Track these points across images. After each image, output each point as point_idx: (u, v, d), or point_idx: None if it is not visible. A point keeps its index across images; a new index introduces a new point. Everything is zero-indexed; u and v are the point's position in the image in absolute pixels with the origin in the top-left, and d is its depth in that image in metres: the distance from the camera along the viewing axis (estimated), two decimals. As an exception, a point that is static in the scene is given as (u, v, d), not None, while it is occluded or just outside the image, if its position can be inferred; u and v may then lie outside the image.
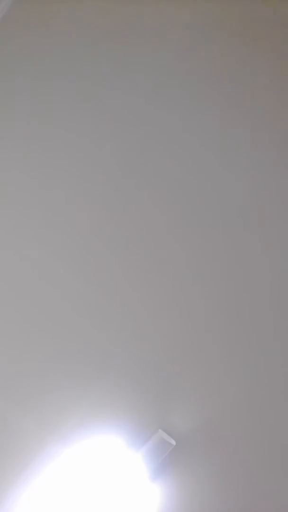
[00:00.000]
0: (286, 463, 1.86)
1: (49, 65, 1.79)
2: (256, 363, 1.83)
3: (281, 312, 1.80)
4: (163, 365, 1.86)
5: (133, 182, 1.80)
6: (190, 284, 1.82)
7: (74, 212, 1.83)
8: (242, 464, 1.87)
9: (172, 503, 1.89)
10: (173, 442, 1.84)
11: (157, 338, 1.85)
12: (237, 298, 1.81)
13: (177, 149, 1.77)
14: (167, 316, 1.84)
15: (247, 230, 1.78)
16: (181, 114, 1.75)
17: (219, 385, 1.85)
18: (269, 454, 1.86)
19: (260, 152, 1.74)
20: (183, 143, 1.77)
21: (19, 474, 1.89)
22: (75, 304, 1.85)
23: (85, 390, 1.87)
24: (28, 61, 1.80)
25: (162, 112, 1.76)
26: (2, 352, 1.87)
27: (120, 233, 1.82)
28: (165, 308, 1.83)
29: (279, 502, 1.87)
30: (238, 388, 1.85)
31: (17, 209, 1.85)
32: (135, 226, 1.81)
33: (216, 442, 1.87)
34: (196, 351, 1.84)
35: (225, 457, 1.87)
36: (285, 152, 1.74)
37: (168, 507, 1.89)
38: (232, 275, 1.80)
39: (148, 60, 1.76)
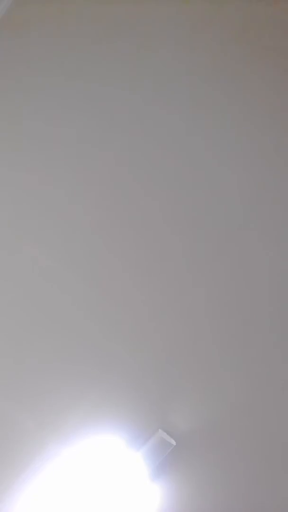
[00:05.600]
0: (286, 463, 1.86)
1: (49, 65, 1.79)
2: (256, 363, 1.83)
3: (281, 312, 1.80)
4: (163, 365, 1.86)
5: (134, 181, 1.80)
6: (191, 284, 1.82)
7: (74, 211, 1.83)
8: (242, 464, 1.87)
9: (172, 503, 1.89)
10: (173, 442, 1.84)
11: (157, 338, 1.85)
12: (238, 298, 1.81)
13: (177, 148, 1.77)
14: (167, 316, 1.84)
15: (248, 229, 1.78)
16: (181, 113, 1.75)
17: (219, 385, 1.84)
18: (269, 454, 1.86)
19: (260, 151, 1.75)
20: (183, 142, 1.77)
21: (19, 474, 1.89)
22: (75, 303, 1.85)
23: (85, 390, 1.87)
24: (28, 61, 1.80)
25: (162, 111, 1.76)
26: (2, 352, 1.87)
27: (120, 233, 1.82)
28: (166, 308, 1.83)
29: (279, 502, 1.86)
30: (238, 388, 1.84)
31: (17, 208, 1.85)
32: (136, 226, 1.81)
33: (216, 442, 1.87)
34: (197, 351, 1.84)
35: (225, 457, 1.87)
36: (285, 152, 1.74)
37: (168, 507, 1.89)
38: (233, 275, 1.80)
39: (148, 60, 1.76)
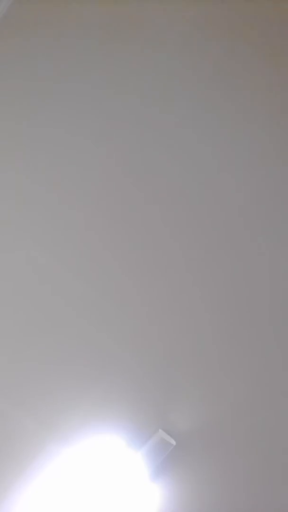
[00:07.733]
0: (286, 463, 1.86)
1: (48, 65, 1.79)
2: (256, 363, 1.83)
3: (281, 313, 1.80)
4: (164, 365, 1.86)
5: (134, 183, 1.80)
6: (191, 285, 1.82)
7: (74, 213, 1.83)
8: (242, 464, 1.87)
9: (172, 503, 1.89)
10: (173, 442, 1.84)
11: (157, 338, 1.85)
12: (238, 298, 1.81)
13: (177, 150, 1.77)
14: (167, 316, 1.84)
15: (248, 231, 1.78)
16: (181, 114, 1.75)
17: (219, 385, 1.85)
18: (269, 454, 1.86)
19: (260, 153, 1.74)
20: (183, 143, 1.76)
21: (19, 474, 1.90)
22: (75, 304, 1.85)
23: (85, 390, 1.87)
24: (28, 61, 1.80)
25: (162, 112, 1.76)
26: (3, 352, 1.87)
27: (120, 234, 1.82)
28: (166, 308, 1.83)
29: (279, 502, 1.87)
30: (238, 388, 1.85)
31: (17, 210, 1.85)
32: (135, 227, 1.81)
33: (216, 442, 1.87)
34: (197, 351, 1.84)
35: (225, 457, 1.87)
36: (285, 153, 1.74)
37: (168, 507, 1.89)
38: (233, 276, 1.80)
39: (148, 60, 1.76)
